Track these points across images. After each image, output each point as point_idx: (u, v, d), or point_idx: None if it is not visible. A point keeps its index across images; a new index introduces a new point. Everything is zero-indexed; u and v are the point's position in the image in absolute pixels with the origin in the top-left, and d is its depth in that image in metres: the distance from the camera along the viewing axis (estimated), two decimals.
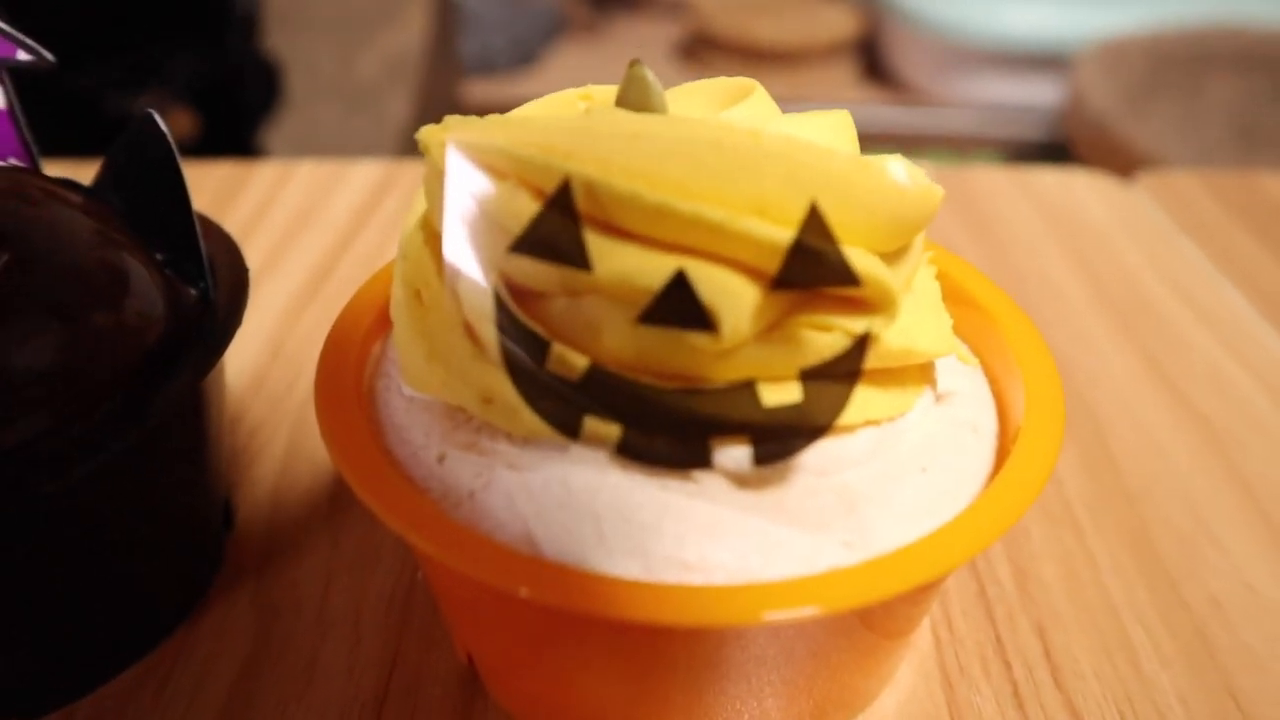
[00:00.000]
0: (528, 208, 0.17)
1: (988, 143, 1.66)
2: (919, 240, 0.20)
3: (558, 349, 0.17)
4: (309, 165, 0.45)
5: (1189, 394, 0.32)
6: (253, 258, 0.38)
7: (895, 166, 0.18)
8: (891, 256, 0.18)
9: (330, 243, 0.39)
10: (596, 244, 0.17)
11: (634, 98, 0.19)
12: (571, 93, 0.21)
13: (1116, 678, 0.23)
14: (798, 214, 0.16)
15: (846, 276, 0.16)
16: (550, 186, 0.17)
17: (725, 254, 0.16)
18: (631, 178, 0.17)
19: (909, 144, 1.65)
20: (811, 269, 0.16)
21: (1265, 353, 0.34)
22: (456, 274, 0.19)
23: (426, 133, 0.19)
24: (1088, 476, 0.28)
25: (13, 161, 0.25)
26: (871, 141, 1.51)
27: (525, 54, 1.84)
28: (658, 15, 2.10)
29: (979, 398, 0.21)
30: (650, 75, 0.19)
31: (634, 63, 0.19)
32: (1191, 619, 0.24)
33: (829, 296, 0.17)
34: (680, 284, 0.16)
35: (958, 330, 0.23)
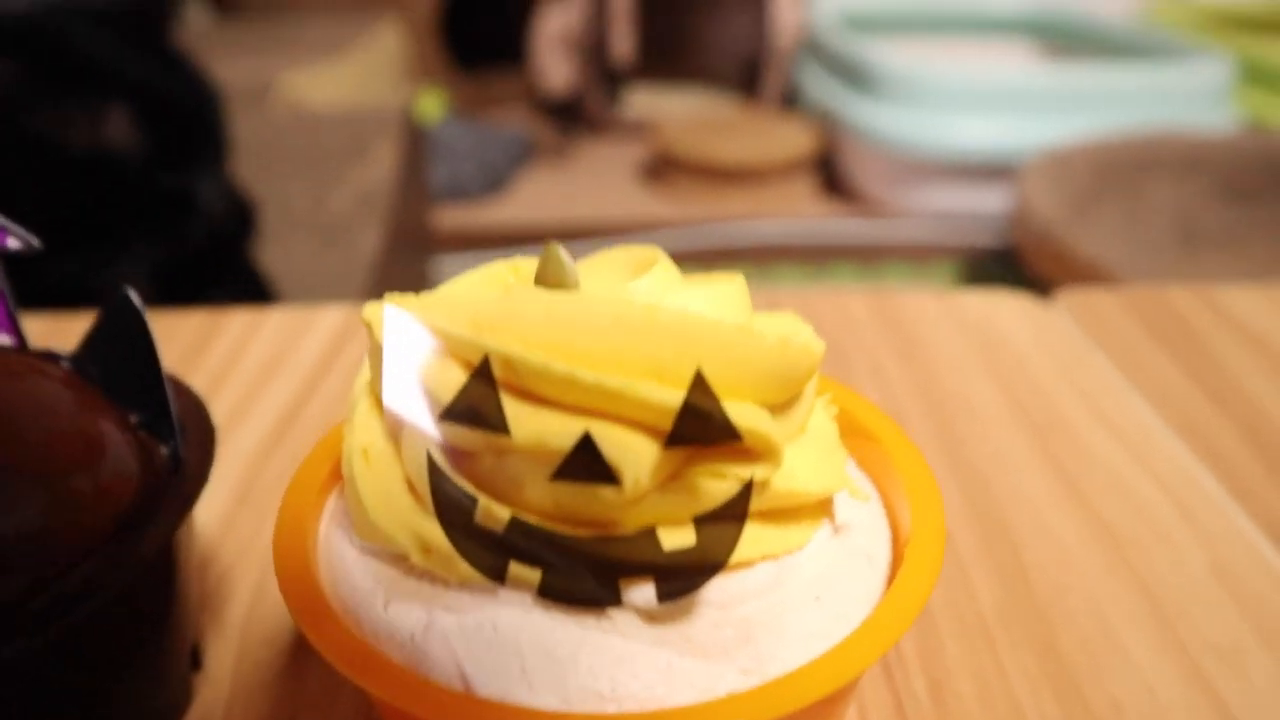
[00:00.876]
0: (457, 378, 0.20)
1: (943, 251, 1.72)
2: (809, 387, 0.22)
3: (484, 503, 0.19)
4: (277, 314, 0.48)
5: (1098, 505, 0.34)
6: (223, 406, 0.41)
7: (779, 329, 0.21)
8: (780, 407, 0.21)
9: (296, 388, 0.42)
10: (514, 410, 0.19)
11: (550, 274, 0.22)
12: (501, 265, 0.24)
13: None
14: (689, 378, 0.19)
15: (729, 433, 0.18)
16: (475, 359, 0.20)
17: (626, 415, 0.19)
18: (544, 351, 0.19)
19: (867, 255, 1.71)
20: (699, 427, 0.19)
21: (1170, 464, 0.37)
22: (398, 436, 0.22)
23: (370, 310, 0.22)
24: (1003, 591, 0.31)
25: (1, 337, 0.27)
26: (831, 254, 1.56)
27: (495, 180, 1.90)
28: (622, 138, 2.17)
29: (874, 528, 0.23)
30: (563, 253, 0.22)
31: (549, 244, 0.22)
32: None
33: (720, 448, 0.19)
34: (587, 445, 0.18)
35: (860, 461, 0.26)
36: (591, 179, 1.97)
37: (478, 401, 0.19)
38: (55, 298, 0.72)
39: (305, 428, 0.39)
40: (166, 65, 0.85)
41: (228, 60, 1.70)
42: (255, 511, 0.35)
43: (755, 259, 1.65)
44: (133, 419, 0.26)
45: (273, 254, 1.09)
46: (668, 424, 0.19)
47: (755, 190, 1.82)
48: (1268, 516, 0.34)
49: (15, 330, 0.27)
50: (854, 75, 1.82)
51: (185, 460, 0.26)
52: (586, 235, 1.68)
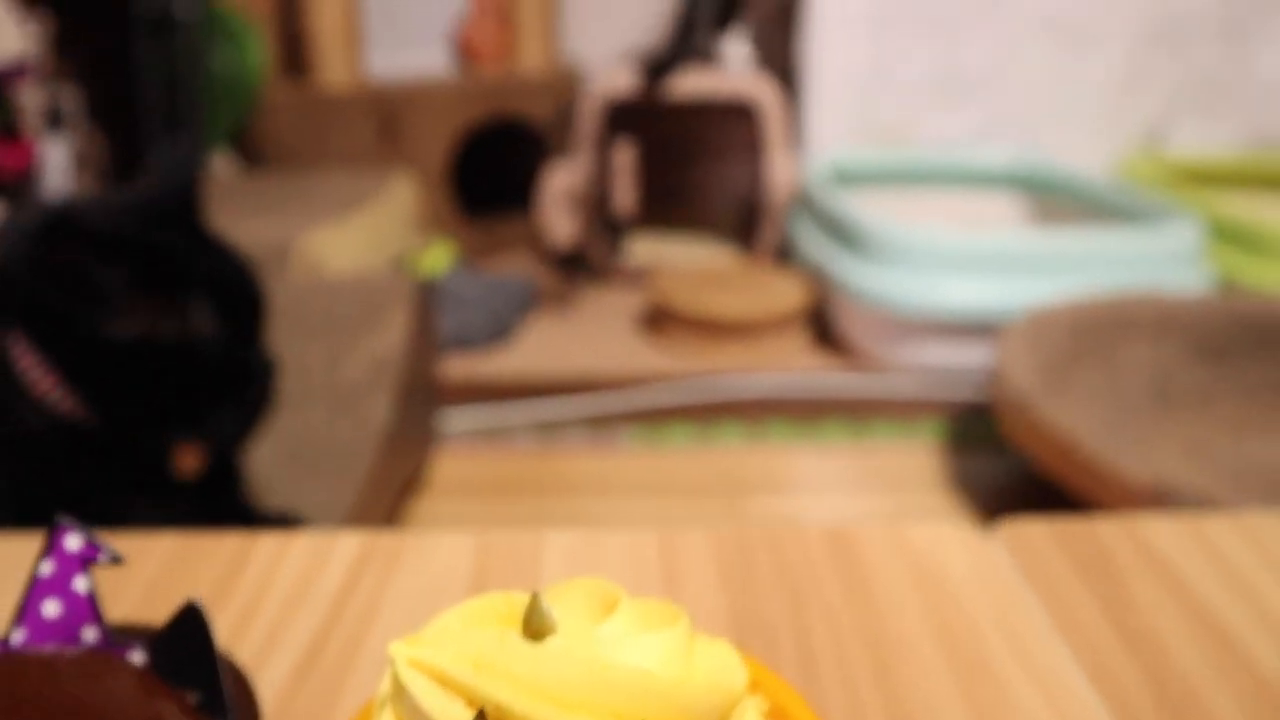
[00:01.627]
0: (458, 711, 0.26)
1: (930, 407, 1.78)
2: (742, 704, 0.28)
3: None
4: (301, 540, 0.54)
5: None
6: (255, 638, 0.46)
7: (711, 660, 0.27)
8: None
9: (320, 619, 0.48)
10: None
11: (534, 621, 0.28)
12: (498, 597, 0.30)
13: None
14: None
15: None
16: (473, 697, 0.26)
17: None
18: (529, 694, 0.25)
19: (857, 410, 1.77)
20: None
21: (1083, 715, 0.42)
22: None
23: (395, 648, 0.28)
24: None
25: (88, 630, 0.33)
26: (822, 409, 1.62)
27: (500, 329, 1.98)
28: (624, 286, 2.27)
29: None
30: (545, 605, 0.28)
31: (534, 597, 0.28)
32: None
33: None
34: None
35: None
36: (594, 328, 2.05)
37: None
38: (152, 474, 0.81)
39: (328, 662, 0.45)
40: (215, 250, 0.93)
41: (253, 219, 1.80)
42: None
43: (747, 414, 1.72)
44: (191, 698, 0.32)
45: (288, 422, 1.15)
46: None
47: (749, 343, 1.90)
48: None
49: (98, 620, 0.33)
50: (843, 234, 1.92)
51: None
52: (586, 388, 1.76)
